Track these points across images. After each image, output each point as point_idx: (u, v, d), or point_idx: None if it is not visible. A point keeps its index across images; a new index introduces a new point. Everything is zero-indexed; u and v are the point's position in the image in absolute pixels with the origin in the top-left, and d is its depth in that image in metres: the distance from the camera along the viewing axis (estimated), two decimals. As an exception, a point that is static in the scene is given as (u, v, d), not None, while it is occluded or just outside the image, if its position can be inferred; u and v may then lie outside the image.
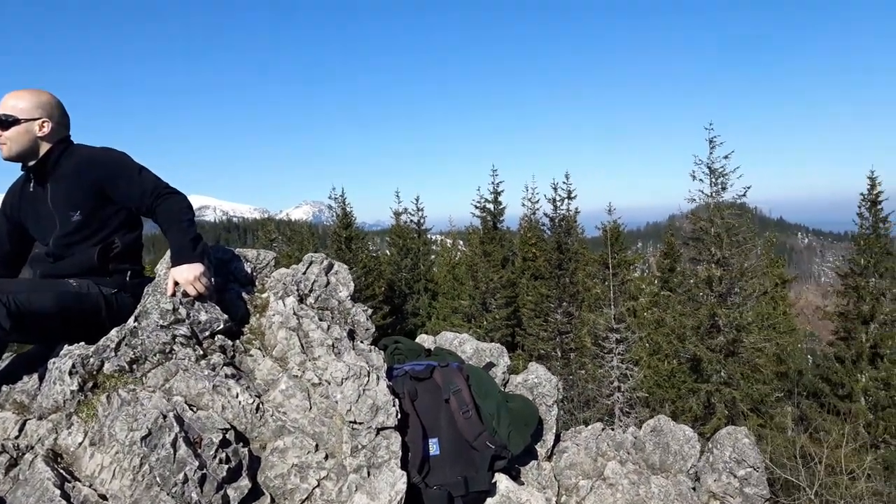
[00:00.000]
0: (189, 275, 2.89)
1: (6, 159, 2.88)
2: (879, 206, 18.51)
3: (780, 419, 18.91)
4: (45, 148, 2.91)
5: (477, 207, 27.82)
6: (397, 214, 33.00)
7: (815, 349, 26.67)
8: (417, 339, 4.17)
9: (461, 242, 34.21)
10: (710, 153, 17.24)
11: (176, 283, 2.91)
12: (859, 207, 18.77)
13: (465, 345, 4.04)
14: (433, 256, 33.82)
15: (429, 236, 34.88)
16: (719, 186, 17.29)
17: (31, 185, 2.99)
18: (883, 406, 18.07)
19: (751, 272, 17.97)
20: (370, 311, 3.60)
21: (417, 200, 33.09)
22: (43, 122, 2.88)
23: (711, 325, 17.70)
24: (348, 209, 28.75)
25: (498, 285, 24.10)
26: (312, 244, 30.84)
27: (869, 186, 18.57)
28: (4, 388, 2.78)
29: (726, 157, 17.19)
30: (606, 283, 20.48)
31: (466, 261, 25.89)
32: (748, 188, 17.36)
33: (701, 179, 17.46)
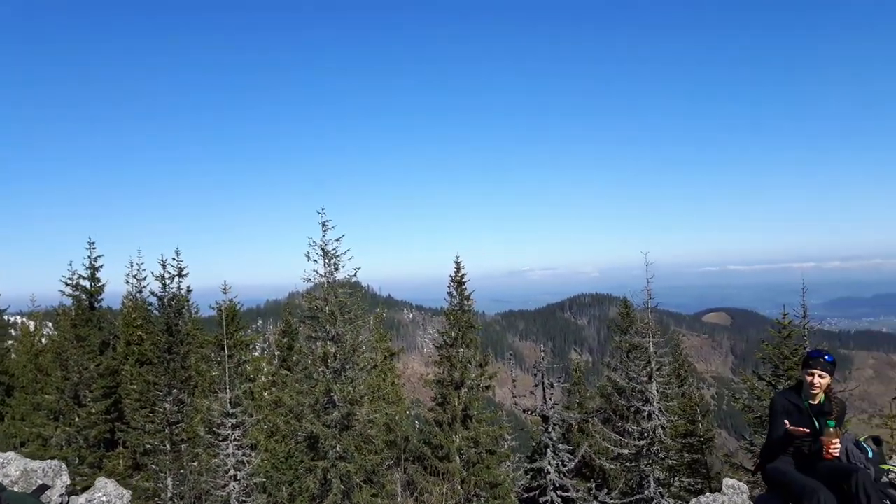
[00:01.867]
0: None
1: None
2: (464, 287, 21.36)
3: (390, 487, 19.95)
4: None
5: (68, 285, 24.23)
6: (-44, 293, 27.18)
7: (420, 415, 29.10)
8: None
9: (48, 325, 29.50)
10: (324, 236, 17.89)
11: None
12: (449, 287, 21.37)
13: (10, 466, 3.15)
14: (9, 342, 28.48)
15: (5, 318, 29.47)
16: (332, 267, 17.94)
17: None
18: (473, 462, 20.34)
19: (362, 347, 18.90)
20: None
21: (-13, 276, 27.86)
22: None
23: (327, 401, 18.00)
24: None
25: (94, 374, 21.14)
26: None
27: (455, 269, 21.33)
28: None
29: (338, 240, 17.98)
30: (222, 366, 19.63)
31: (54, 347, 22.25)
32: (358, 269, 18.37)
33: (315, 260, 17.92)
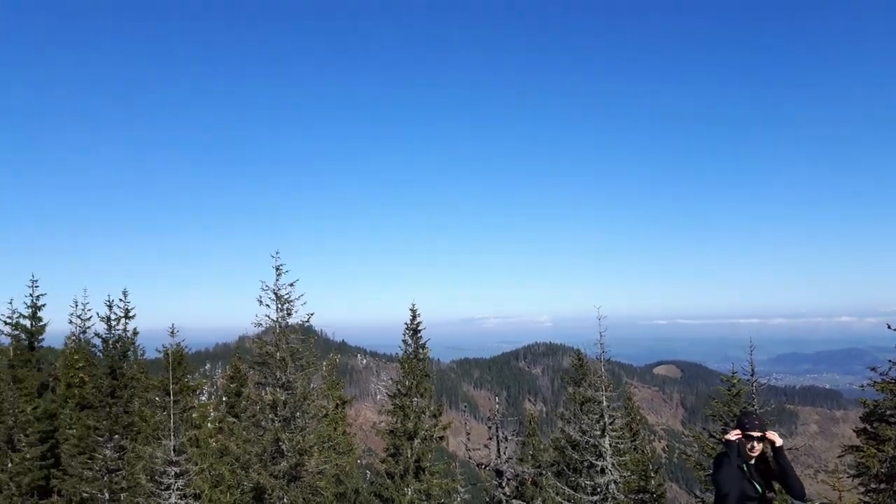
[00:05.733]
0: None
1: None
2: (419, 335, 21.20)
3: (338, 540, 19.34)
4: None
5: (7, 324, 23.34)
6: None
7: (371, 465, 28.40)
8: None
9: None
10: (277, 280, 17.76)
11: None
12: (404, 335, 21.19)
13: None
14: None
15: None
16: (285, 312, 17.74)
17: None
18: (424, 515, 19.94)
19: (313, 395, 18.51)
20: None
21: None
22: None
23: (275, 450, 17.50)
24: None
25: (31, 418, 20.21)
26: None
27: (411, 317, 21.18)
28: None
29: (291, 285, 17.86)
30: (167, 412, 18.99)
31: (-11, 389, 21.17)
32: (312, 314, 18.22)
33: (268, 305, 17.73)
